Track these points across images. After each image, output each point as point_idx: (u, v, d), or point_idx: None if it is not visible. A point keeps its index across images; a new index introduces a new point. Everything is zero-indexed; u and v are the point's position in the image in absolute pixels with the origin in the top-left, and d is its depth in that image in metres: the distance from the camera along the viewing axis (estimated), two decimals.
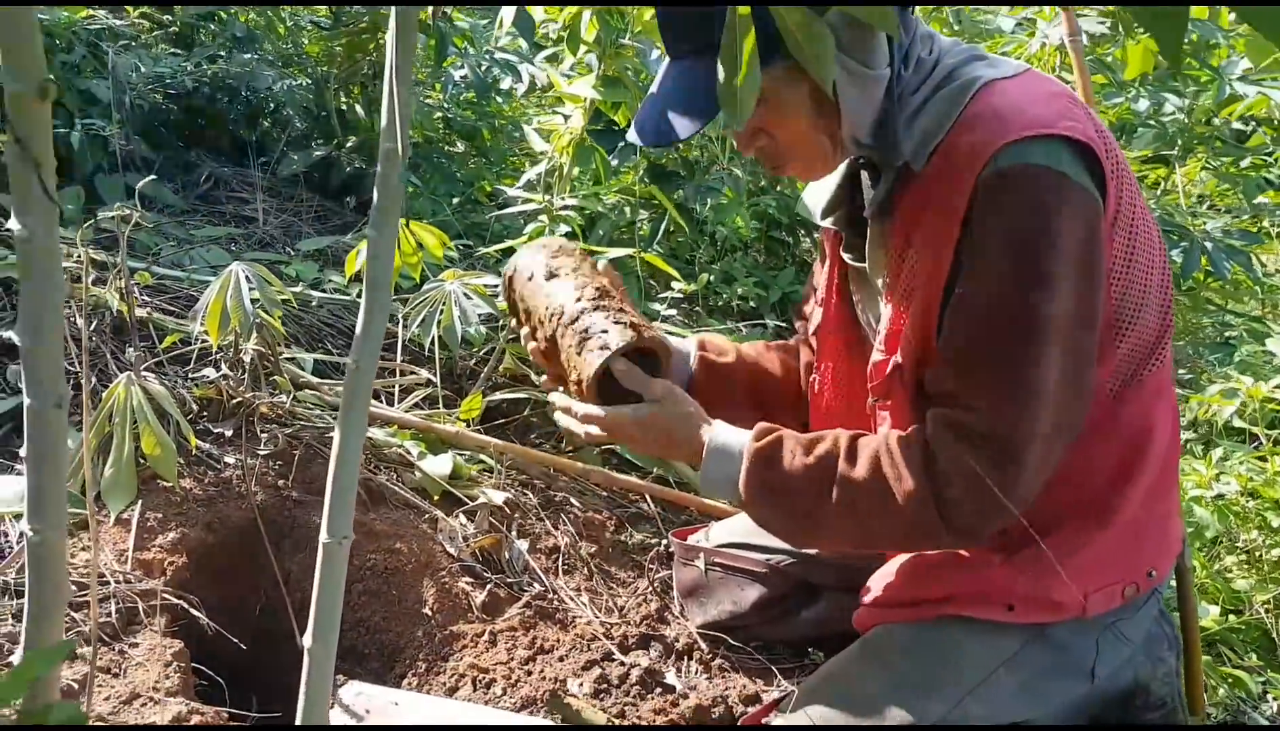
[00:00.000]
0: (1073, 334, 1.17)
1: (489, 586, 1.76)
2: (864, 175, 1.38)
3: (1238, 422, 2.19)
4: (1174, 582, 1.53)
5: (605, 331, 1.35)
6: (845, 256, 1.43)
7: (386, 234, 0.74)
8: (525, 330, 1.50)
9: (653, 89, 1.29)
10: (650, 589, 1.87)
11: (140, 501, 1.67)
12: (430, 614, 1.69)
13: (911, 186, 1.25)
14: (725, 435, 1.33)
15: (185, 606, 1.56)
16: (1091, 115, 1.24)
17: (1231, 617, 1.85)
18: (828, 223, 1.45)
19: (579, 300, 1.39)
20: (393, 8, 0.65)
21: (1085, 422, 1.25)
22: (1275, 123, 3.56)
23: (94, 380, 1.81)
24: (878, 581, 1.45)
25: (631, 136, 1.29)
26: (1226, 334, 3.29)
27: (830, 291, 1.49)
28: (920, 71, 1.24)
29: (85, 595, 1.37)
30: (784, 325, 3.16)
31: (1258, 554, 1.96)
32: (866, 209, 1.33)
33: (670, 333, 2.43)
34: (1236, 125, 3.37)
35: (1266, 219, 3.32)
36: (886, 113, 1.23)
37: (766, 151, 1.32)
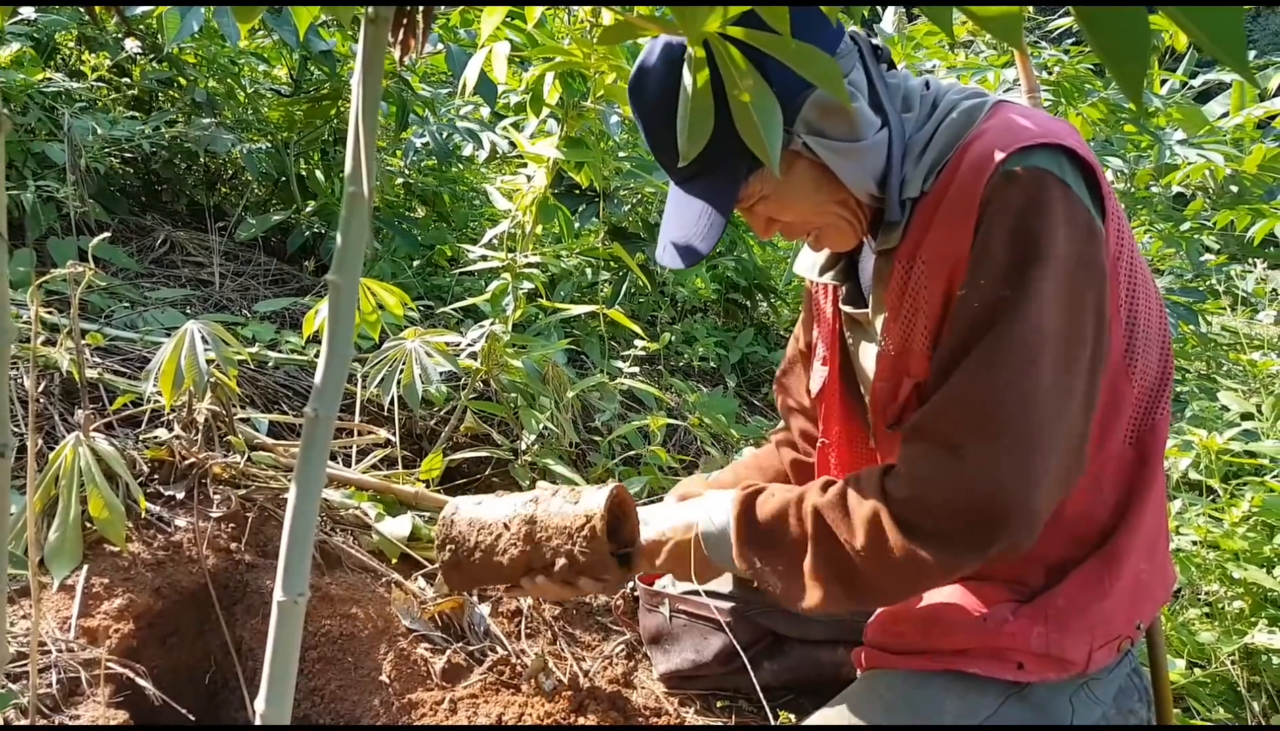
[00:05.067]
0: (1066, 337, 1.13)
1: (449, 652, 1.71)
2: None
3: (1193, 475, 2.22)
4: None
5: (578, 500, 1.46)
6: (845, 308, 1.41)
7: (349, 279, 0.72)
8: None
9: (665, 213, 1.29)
10: (616, 652, 1.83)
11: (86, 566, 1.60)
12: (388, 681, 1.63)
13: (917, 208, 1.23)
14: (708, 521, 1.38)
15: (131, 676, 1.49)
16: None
17: (1196, 671, 1.85)
18: (826, 278, 1.44)
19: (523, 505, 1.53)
20: (359, 48, 0.65)
21: (1104, 470, 1.24)
22: (1210, 190, 3.69)
23: (41, 442, 1.76)
24: (884, 625, 1.41)
25: (658, 258, 1.28)
26: (1178, 389, 3.36)
27: (833, 350, 1.47)
28: (923, 108, 1.25)
29: (24, 665, 1.30)
30: (744, 385, 3.17)
31: (1220, 606, 1.97)
32: (877, 247, 1.29)
33: (635, 390, 2.43)
34: (1177, 188, 3.48)
35: (1212, 278, 3.42)
36: (890, 165, 1.23)
37: (789, 232, 1.32)
